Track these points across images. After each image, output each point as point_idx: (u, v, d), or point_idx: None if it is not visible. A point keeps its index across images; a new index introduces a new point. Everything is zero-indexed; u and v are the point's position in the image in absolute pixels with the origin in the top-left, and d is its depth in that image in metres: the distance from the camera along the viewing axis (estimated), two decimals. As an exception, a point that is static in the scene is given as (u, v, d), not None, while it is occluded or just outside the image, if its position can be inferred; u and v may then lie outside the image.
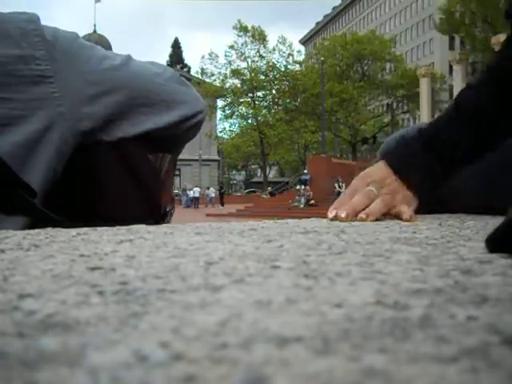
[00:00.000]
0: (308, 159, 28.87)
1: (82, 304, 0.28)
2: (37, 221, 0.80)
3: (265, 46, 35.63)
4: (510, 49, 0.94)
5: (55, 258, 0.43)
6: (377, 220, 0.82)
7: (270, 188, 30.26)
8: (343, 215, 0.82)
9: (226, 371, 0.19)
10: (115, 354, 0.20)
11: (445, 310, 0.27)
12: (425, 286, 0.32)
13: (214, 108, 36.25)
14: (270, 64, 34.90)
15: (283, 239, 0.57)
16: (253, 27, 35.63)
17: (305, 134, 34.00)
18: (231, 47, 35.63)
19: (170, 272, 0.37)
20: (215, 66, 35.91)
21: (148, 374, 0.18)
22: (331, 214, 0.84)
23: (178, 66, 54.66)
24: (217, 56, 35.97)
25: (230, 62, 35.57)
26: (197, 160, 40.22)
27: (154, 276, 0.36)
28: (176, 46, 64.28)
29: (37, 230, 0.62)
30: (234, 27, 35.63)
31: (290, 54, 35.88)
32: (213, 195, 31.42)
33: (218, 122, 40.17)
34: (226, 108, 35.95)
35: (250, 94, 35.18)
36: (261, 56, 35.26)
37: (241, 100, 35.27)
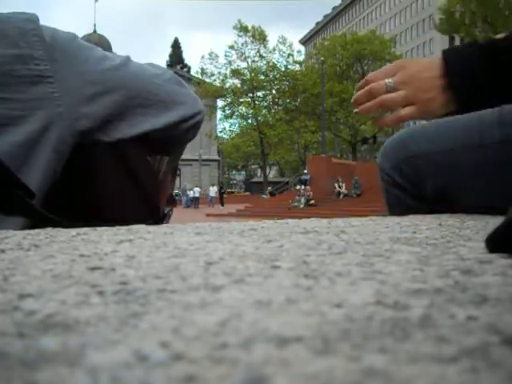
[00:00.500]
0: (308, 159, 28.87)
1: (82, 304, 0.28)
2: (36, 221, 0.80)
3: (265, 46, 35.64)
4: None
5: (55, 257, 0.43)
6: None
7: (270, 188, 30.26)
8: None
9: (226, 371, 0.19)
10: (115, 353, 0.20)
11: (445, 310, 0.27)
12: (425, 286, 0.32)
13: (213, 108, 36.26)
14: (270, 64, 34.90)
15: (283, 239, 0.57)
16: (253, 27, 35.64)
17: (305, 134, 34.01)
18: (231, 47, 35.63)
19: (170, 272, 0.37)
20: (215, 66, 35.93)
21: (148, 374, 0.18)
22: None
23: (178, 66, 54.64)
24: (217, 56, 35.98)
25: (230, 62, 35.58)
26: (197, 160, 40.23)
27: (153, 276, 0.36)
28: (176, 46, 64.28)
29: (37, 230, 0.62)
30: (234, 27, 35.65)
31: (290, 54, 35.88)
32: (213, 194, 31.41)
33: (218, 122, 40.18)
34: (226, 108, 35.95)
35: (250, 94, 35.18)
36: (261, 56, 35.26)
37: (241, 100, 35.27)
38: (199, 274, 0.36)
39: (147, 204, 1.01)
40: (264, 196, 28.99)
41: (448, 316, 0.26)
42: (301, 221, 0.81)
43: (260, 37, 35.45)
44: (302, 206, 20.62)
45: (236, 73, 35.15)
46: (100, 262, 0.41)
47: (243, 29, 35.38)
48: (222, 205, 29.40)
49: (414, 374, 0.18)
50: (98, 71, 0.89)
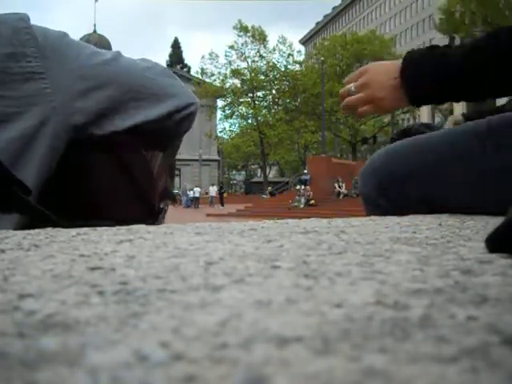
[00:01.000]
0: (308, 159, 28.85)
1: (82, 304, 0.28)
2: (32, 219, 0.81)
3: (265, 46, 35.62)
4: None
5: (55, 257, 0.43)
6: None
7: (270, 188, 30.26)
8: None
9: (226, 371, 0.19)
10: (115, 353, 0.20)
11: (445, 310, 0.27)
12: (425, 286, 0.32)
13: (213, 108, 36.25)
14: (270, 64, 34.89)
15: (283, 239, 0.57)
16: (253, 27, 35.64)
17: (305, 134, 33.99)
18: (231, 47, 35.62)
19: (170, 272, 0.37)
20: (215, 65, 35.93)
21: (148, 373, 0.18)
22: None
23: (178, 66, 54.63)
24: (217, 56, 35.97)
25: (230, 62, 35.57)
26: (197, 160, 40.22)
27: (154, 276, 0.36)
28: (176, 45, 64.27)
29: (37, 230, 0.62)
30: (234, 27, 35.64)
31: (290, 54, 35.88)
32: (213, 194, 31.40)
33: (218, 122, 40.15)
34: (226, 108, 35.92)
35: (250, 94, 35.16)
36: (261, 56, 35.25)
37: (241, 100, 35.25)
38: (199, 274, 0.36)
39: (142, 199, 1.02)
40: (264, 196, 28.99)
41: (448, 316, 0.26)
42: (301, 221, 0.81)
43: (260, 37, 35.44)
44: (301, 205, 20.62)
45: (236, 73, 35.14)
46: (100, 261, 0.41)
47: (243, 29, 35.37)
48: (222, 205, 29.39)
49: (414, 373, 0.18)
50: (89, 66, 0.91)
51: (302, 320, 0.25)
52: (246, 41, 35.54)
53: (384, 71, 1.04)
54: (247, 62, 35.35)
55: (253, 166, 55.06)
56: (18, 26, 0.86)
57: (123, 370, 0.19)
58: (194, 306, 0.27)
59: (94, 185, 0.95)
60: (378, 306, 0.27)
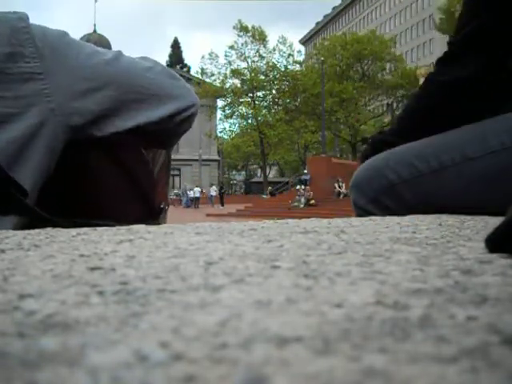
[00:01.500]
0: (308, 159, 28.86)
1: (82, 304, 0.28)
2: (31, 220, 0.80)
3: (265, 46, 35.62)
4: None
5: (55, 257, 0.43)
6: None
7: (270, 188, 30.25)
8: None
9: (226, 371, 0.19)
10: (115, 353, 0.20)
11: (445, 310, 0.27)
12: (425, 286, 0.32)
13: (214, 108, 36.25)
14: (270, 64, 34.89)
15: (283, 239, 0.57)
16: (253, 27, 35.63)
17: (305, 134, 33.98)
18: (231, 47, 35.63)
19: (170, 272, 0.37)
20: (215, 65, 35.93)
21: (148, 373, 0.18)
22: None
23: (178, 66, 54.62)
24: (217, 56, 35.97)
25: (229, 62, 35.57)
26: (197, 160, 40.21)
27: (154, 276, 0.36)
28: (176, 45, 64.25)
29: (37, 230, 0.62)
30: (234, 27, 35.64)
31: (290, 55, 35.88)
32: (213, 194, 31.39)
33: (218, 122, 40.14)
34: (226, 108, 35.91)
35: (250, 94, 35.16)
36: (261, 56, 35.25)
37: (241, 100, 35.24)
38: (199, 274, 0.36)
39: (142, 199, 1.01)
40: (264, 196, 28.99)
41: (448, 316, 0.26)
42: (301, 221, 0.81)
43: (260, 37, 35.43)
44: (301, 205, 20.62)
45: (236, 73, 35.14)
46: (100, 262, 0.41)
47: (243, 29, 35.37)
48: (222, 205, 29.39)
49: (414, 373, 0.18)
50: (89, 66, 0.90)
51: (302, 320, 0.25)
52: (245, 41, 35.55)
53: None
54: (247, 62, 35.35)
55: (253, 166, 55.05)
56: (16, 26, 0.85)
57: (123, 370, 0.19)
58: (194, 306, 0.27)
59: (94, 185, 0.95)
60: (378, 306, 0.27)
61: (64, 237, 0.57)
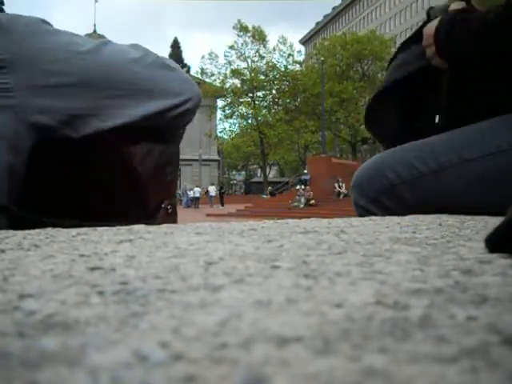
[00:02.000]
0: (308, 159, 28.86)
1: (82, 304, 0.28)
2: (11, 220, 0.76)
3: (265, 46, 35.63)
4: None
5: (55, 257, 0.43)
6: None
7: (270, 188, 30.26)
8: None
9: (226, 371, 0.19)
10: (115, 353, 0.20)
11: (445, 310, 0.27)
12: (425, 286, 0.32)
13: (213, 108, 36.25)
14: (270, 64, 34.90)
15: (283, 239, 0.57)
16: (253, 27, 35.64)
17: (305, 134, 33.98)
18: (231, 47, 35.63)
19: (170, 272, 0.37)
20: (215, 65, 35.94)
21: (148, 374, 0.18)
22: None
23: (178, 66, 54.57)
24: (217, 56, 35.97)
25: (229, 62, 35.58)
26: (197, 160, 40.22)
27: (154, 276, 0.36)
28: (175, 45, 64.23)
29: (37, 230, 0.62)
30: (234, 27, 35.64)
31: (290, 55, 35.89)
32: (213, 194, 31.38)
33: (218, 122, 40.15)
34: (226, 108, 35.91)
35: (250, 94, 35.16)
36: (261, 56, 35.26)
37: (241, 100, 35.24)
38: (199, 274, 0.36)
39: (131, 198, 0.93)
40: (264, 196, 28.99)
41: (448, 316, 0.26)
42: (301, 221, 0.81)
43: (260, 37, 35.44)
44: (301, 205, 20.62)
45: (236, 73, 35.14)
46: (100, 262, 0.41)
47: (243, 29, 35.37)
48: (222, 205, 29.39)
49: (414, 373, 0.18)
50: (60, 59, 0.81)
51: (302, 320, 0.25)
52: (245, 41, 35.55)
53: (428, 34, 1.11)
54: (247, 62, 35.36)
55: (253, 166, 55.05)
56: None
57: (123, 370, 0.19)
58: (194, 306, 0.27)
59: (76, 185, 0.89)
60: (378, 306, 0.27)
61: (64, 237, 0.57)
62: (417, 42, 1.15)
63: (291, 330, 0.23)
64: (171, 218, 1.00)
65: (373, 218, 0.90)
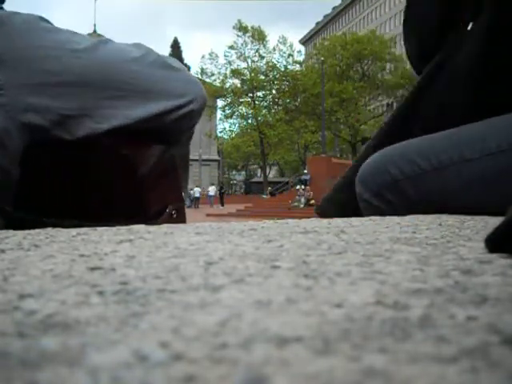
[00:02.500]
0: (308, 159, 28.88)
1: (82, 304, 0.28)
2: (8, 221, 0.75)
3: (265, 46, 35.65)
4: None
5: (55, 257, 0.43)
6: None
7: (270, 188, 30.27)
8: None
9: (226, 371, 0.19)
10: (115, 353, 0.20)
11: (445, 310, 0.27)
12: (425, 286, 0.32)
13: (214, 108, 36.26)
14: (270, 64, 34.92)
15: (283, 239, 0.57)
16: (252, 27, 35.65)
17: (305, 134, 33.99)
18: (231, 47, 35.64)
19: (170, 272, 0.37)
20: (215, 65, 35.96)
21: (148, 374, 0.18)
22: None
23: (178, 66, 54.52)
24: (217, 56, 36.00)
25: (229, 62, 35.60)
26: (197, 160, 40.22)
27: (154, 276, 0.36)
28: (175, 45, 64.22)
29: (37, 230, 0.62)
30: (234, 27, 35.65)
31: (290, 55, 35.91)
32: (212, 194, 31.37)
33: (218, 122, 40.17)
34: (226, 108, 35.93)
35: (250, 94, 35.18)
36: (261, 56, 35.27)
37: (241, 100, 35.26)
38: (199, 274, 0.36)
39: (128, 201, 0.90)
40: (264, 196, 28.99)
41: (448, 316, 0.26)
42: (301, 221, 0.81)
43: (259, 37, 35.45)
44: (301, 206, 20.62)
45: (236, 73, 35.15)
46: (100, 262, 0.41)
47: (243, 29, 35.39)
48: (222, 205, 29.38)
49: (414, 373, 0.18)
50: (53, 57, 0.79)
51: (302, 320, 0.25)
52: (245, 41, 35.56)
53: None
54: (247, 62, 35.37)
55: (253, 166, 55.05)
56: None
57: (123, 370, 0.19)
58: (194, 306, 0.27)
59: (73, 186, 0.86)
60: (378, 306, 0.27)
61: (64, 237, 0.57)
62: None
63: (291, 330, 0.23)
64: (176, 223, 0.96)
65: (373, 218, 0.90)
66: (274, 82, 35.02)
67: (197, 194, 31.84)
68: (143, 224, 0.75)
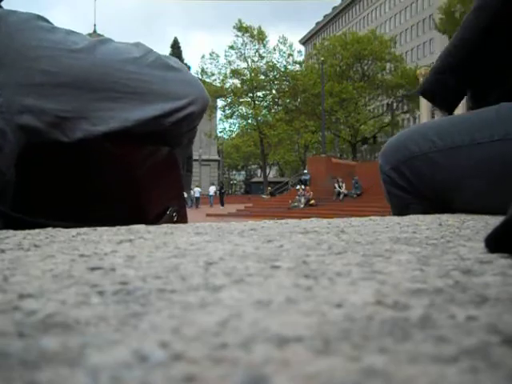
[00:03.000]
0: (308, 159, 28.88)
1: (82, 304, 0.28)
2: (5, 221, 0.74)
3: (265, 46, 35.65)
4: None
5: (55, 257, 0.43)
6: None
7: (270, 188, 30.27)
8: None
9: (226, 371, 0.19)
10: (115, 354, 0.20)
11: (445, 310, 0.27)
12: (425, 286, 0.32)
13: (213, 108, 36.26)
14: (270, 64, 34.92)
15: (283, 239, 0.57)
16: (251, 27, 35.64)
17: (305, 134, 33.99)
18: (231, 47, 35.64)
19: (170, 272, 0.37)
20: (215, 65, 35.96)
21: (148, 374, 0.18)
22: None
23: (178, 66, 54.50)
24: (217, 56, 35.99)
25: (229, 62, 35.59)
26: (197, 160, 40.22)
27: (154, 276, 0.36)
28: (175, 45, 64.22)
29: (37, 230, 0.62)
30: (234, 27, 35.65)
31: (290, 55, 35.91)
32: (212, 193, 31.36)
33: (218, 122, 40.17)
34: (226, 108, 35.92)
35: (250, 94, 35.17)
36: (261, 56, 35.27)
37: (241, 100, 35.25)
38: (199, 274, 0.36)
39: (125, 203, 0.88)
40: (264, 196, 28.99)
41: (448, 316, 0.26)
42: (301, 221, 0.81)
43: (259, 37, 35.44)
44: (301, 206, 20.62)
45: (236, 73, 35.15)
46: (100, 261, 0.41)
47: (243, 29, 35.38)
48: (222, 205, 29.38)
49: (413, 373, 0.18)
50: (49, 57, 0.77)
51: (302, 320, 0.25)
52: (245, 41, 35.56)
53: None
54: (247, 62, 35.37)
55: (253, 166, 55.05)
56: None
57: (123, 370, 0.19)
58: (194, 306, 0.27)
59: (72, 188, 0.85)
60: (377, 306, 0.27)
61: (64, 237, 0.57)
62: None
63: (291, 330, 0.23)
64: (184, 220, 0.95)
65: (373, 218, 0.90)
66: (273, 82, 35.03)
67: (197, 194, 31.84)
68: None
